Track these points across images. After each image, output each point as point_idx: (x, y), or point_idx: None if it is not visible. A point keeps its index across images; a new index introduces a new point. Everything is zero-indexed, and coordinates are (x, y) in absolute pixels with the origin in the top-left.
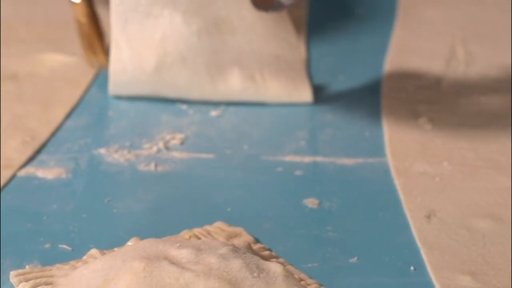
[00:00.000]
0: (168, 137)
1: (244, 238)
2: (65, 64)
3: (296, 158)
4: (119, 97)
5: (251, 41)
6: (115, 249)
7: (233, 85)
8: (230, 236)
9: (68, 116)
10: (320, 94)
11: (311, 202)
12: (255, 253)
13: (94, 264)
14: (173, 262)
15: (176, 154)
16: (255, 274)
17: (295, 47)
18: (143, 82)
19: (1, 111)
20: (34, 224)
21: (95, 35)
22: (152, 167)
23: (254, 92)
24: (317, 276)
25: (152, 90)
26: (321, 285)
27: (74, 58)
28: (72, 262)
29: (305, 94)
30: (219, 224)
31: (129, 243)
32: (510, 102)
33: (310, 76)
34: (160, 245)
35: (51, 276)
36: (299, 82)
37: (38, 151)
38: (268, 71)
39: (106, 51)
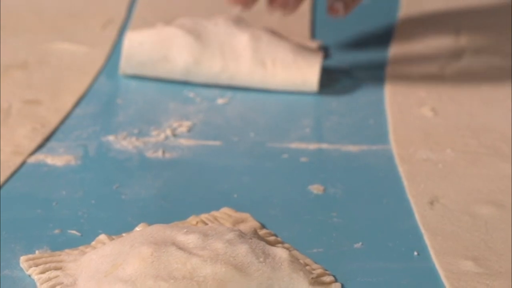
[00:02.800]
0: (175, 124)
1: (250, 223)
2: (74, 53)
3: (302, 145)
4: (127, 86)
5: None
6: (124, 234)
7: (242, 67)
8: (237, 222)
9: (77, 104)
10: (325, 83)
11: (316, 189)
12: (261, 238)
13: (103, 250)
14: (180, 248)
15: (183, 141)
16: (261, 259)
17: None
18: (152, 67)
19: (11, 99)
20: (44, 210)
21: None
22: (159, 154)
23: (261, 78)
24: (322, 261)
25: (160, 74)
26: (326, 270)
27: (83, 47)
28: (81, 248)
29: (311, 84)
30: (225, 210)
31: (137, 228)
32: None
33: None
34: (168, 230)
35: (61, 261)
36: (309, 72)
37: (47, 139)
38: (282, 61)
39: None
